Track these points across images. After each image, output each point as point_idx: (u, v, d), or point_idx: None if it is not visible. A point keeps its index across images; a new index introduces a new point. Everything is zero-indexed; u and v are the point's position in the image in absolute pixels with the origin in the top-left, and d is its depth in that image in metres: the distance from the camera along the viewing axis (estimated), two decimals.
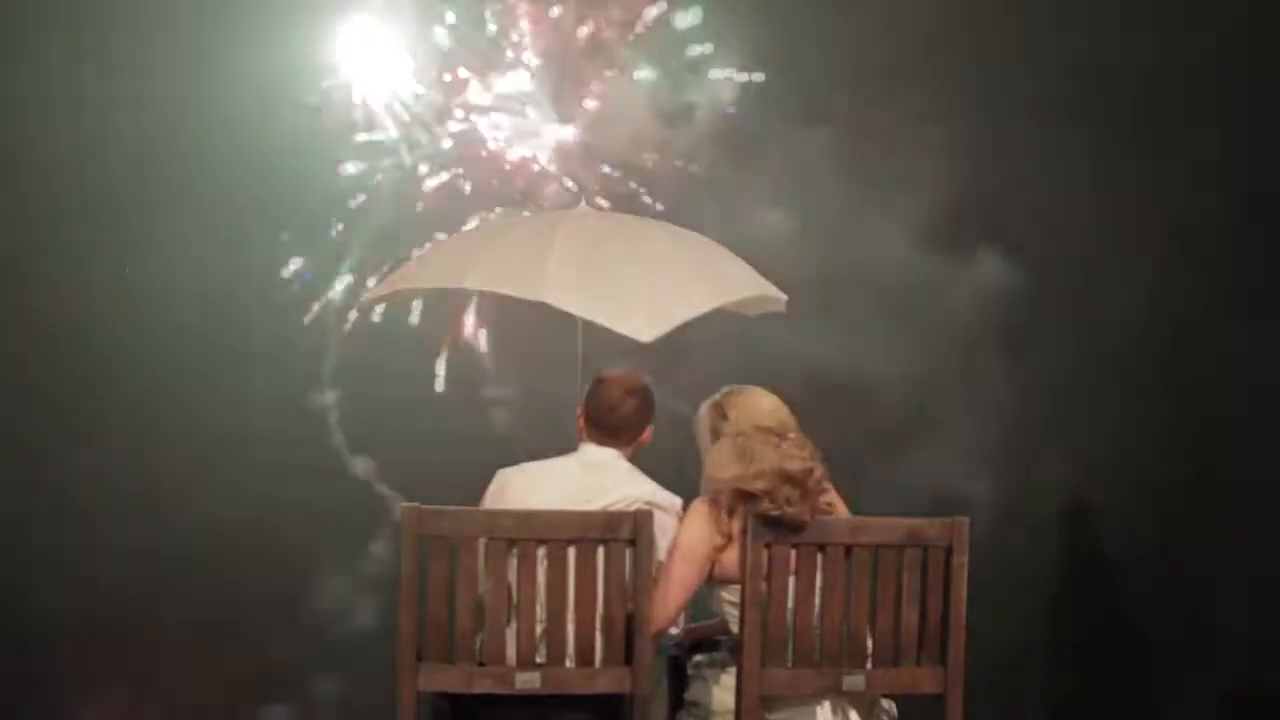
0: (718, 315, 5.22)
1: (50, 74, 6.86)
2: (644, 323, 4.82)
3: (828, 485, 4.64)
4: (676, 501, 4.76)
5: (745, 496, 4.48)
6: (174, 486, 6.86)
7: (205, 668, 6.89)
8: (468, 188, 7.21)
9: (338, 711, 7.02)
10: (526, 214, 7.05)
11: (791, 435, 4.64)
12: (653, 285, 4.94)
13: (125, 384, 6.88)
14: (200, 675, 6.91)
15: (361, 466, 7.04)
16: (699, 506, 4.60)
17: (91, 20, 6.86)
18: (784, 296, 5.35)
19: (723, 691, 4.58)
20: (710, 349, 6.32)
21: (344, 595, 7.03)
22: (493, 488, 4.79)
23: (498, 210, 7.17)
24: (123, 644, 6.85)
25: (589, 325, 5.05)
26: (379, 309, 6.92)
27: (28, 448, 6.85)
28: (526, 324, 6.32)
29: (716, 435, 4.65)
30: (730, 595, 4.57)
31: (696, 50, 7.32)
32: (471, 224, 7.09)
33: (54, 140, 6.81)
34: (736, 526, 4.50)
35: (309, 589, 7.01)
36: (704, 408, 4.77)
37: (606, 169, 7.28)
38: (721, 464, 4.55)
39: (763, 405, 4.68)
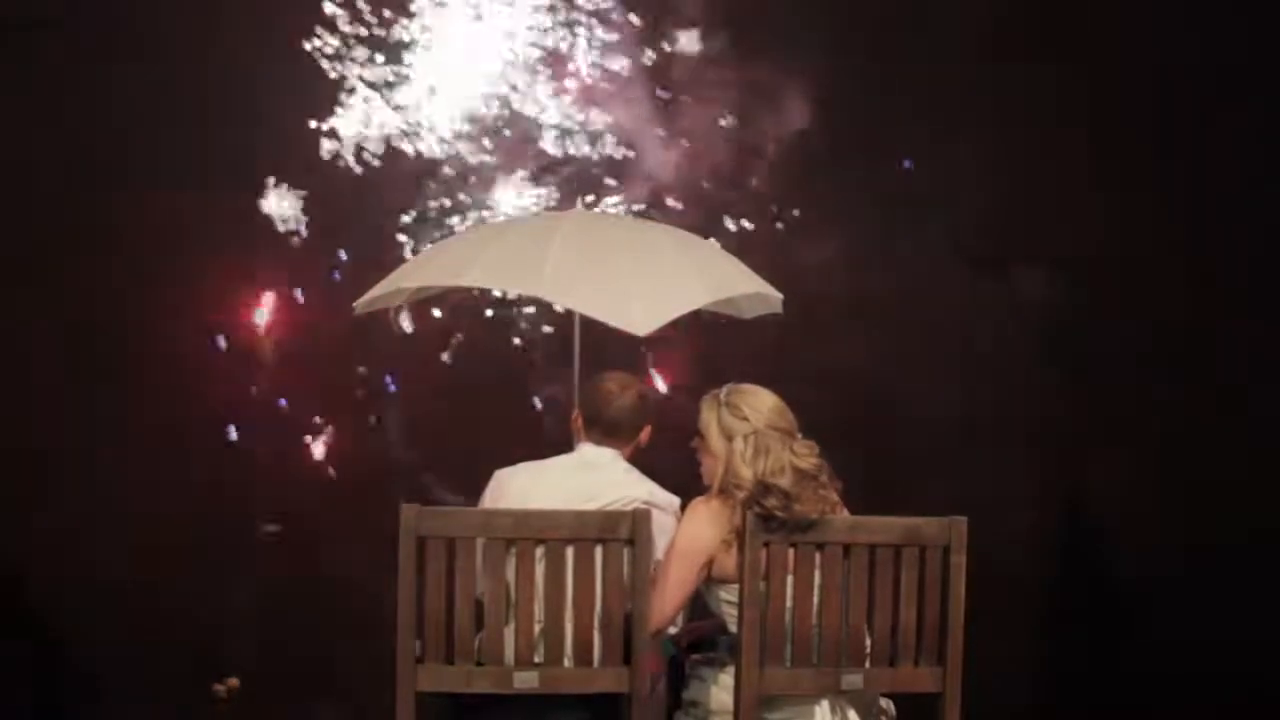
0: (740, 323, 5.22)
1: None
2: (639, 316, 4.83)
3: (830, 484, 4.64)
4: (675, 501, 4.76)
5: (764, 493, 4.47)
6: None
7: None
8: None
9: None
10: (532, 214, 7.09)
11: (798, 434, 4.65)
12: (648, 279, 4.95)
13: None
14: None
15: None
16: (699, 506, 4.59)
17: None
18: (780, 296, 5.34)
19: (721, 691, 4.57)
20: (739, 360, 6.32)
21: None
22: (491, 488, 4.80)
23: None
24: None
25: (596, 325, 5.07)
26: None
27: None
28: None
29: (729, 433, 4.63)
30: (728, 594, 4.55)
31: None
32: None
33: None
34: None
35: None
36: (708, 405, 4.70)
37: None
38: (746, 461, 4.54)
39: (771, 404, 4.66)
